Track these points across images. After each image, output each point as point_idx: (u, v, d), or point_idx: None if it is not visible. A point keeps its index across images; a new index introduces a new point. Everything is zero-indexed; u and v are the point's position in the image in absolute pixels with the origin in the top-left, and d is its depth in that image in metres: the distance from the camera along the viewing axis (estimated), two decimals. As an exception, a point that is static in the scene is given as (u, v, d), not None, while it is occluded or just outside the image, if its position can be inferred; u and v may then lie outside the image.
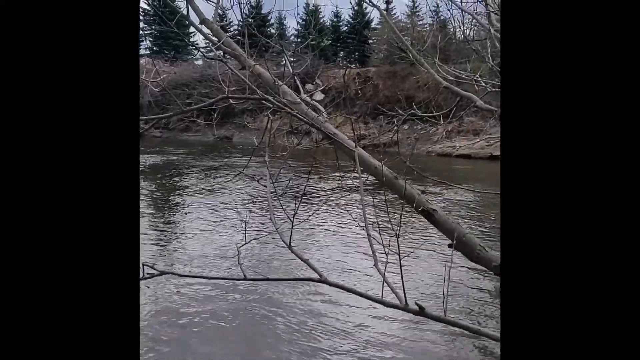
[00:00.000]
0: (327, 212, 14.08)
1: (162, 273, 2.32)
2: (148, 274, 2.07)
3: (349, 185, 16.05)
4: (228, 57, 3.10)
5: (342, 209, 14.21)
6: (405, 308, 1.97)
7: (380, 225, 2.43)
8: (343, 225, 12.44)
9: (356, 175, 2.38)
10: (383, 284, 2.01)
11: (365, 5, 43.52)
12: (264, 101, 2.52)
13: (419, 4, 42.95)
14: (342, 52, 48.63)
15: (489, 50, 4.91)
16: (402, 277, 2.01)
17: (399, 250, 2.02)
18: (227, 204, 15.34)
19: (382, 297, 2.00)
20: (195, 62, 44.11)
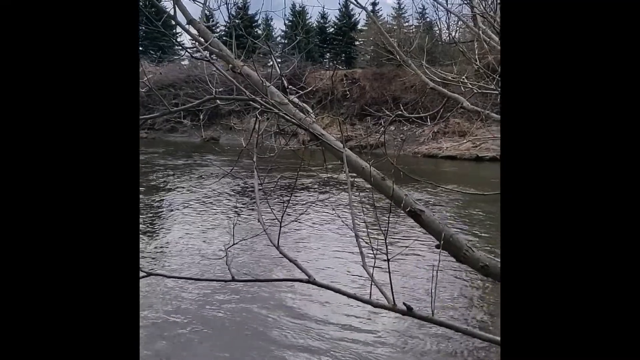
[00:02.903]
0: (315, 213, 14.08)
1: (149, 274, 2.30)
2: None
3: (335, 186, 16.09)
4: (215, 57, 3.08)
5: (330, 209, 14.22)
6: (394, 308, 1.98)
7: (369, 227, 2.44)
8: (331, 226, 12.46)
9: (344, 176, 2.39)
10: (371, 284, 2.02)
11: (351, 7, 43.70)
12: (251, 102, 2.52)
13: (404, 5, 43.22)
14: (328, 54, 48.72)
15: (476, 52, 4.95)
16: (390, 277, 2.01)
17: (387, 251, 2.02)
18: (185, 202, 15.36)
19: (370, 297, 2.01)
20: (182, 63, 43.92)
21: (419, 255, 9.97)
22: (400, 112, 5.31)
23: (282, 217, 2.38)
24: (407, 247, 9.91)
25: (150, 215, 14.45)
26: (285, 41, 44.70)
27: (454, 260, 2.45)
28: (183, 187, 18.49)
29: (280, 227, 2.33)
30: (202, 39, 3.12)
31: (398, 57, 4.97)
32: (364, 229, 2.45)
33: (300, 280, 2.13)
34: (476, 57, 4.96)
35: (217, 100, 2.68)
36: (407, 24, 39.89)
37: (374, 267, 2.07)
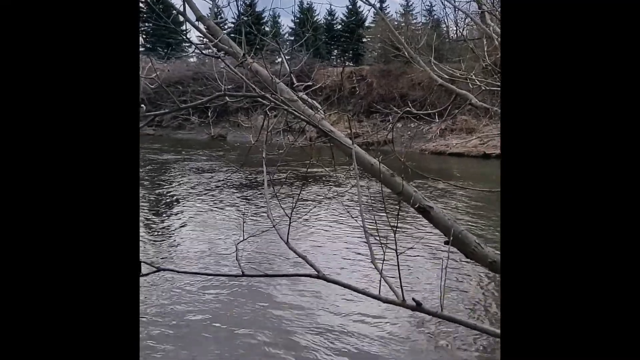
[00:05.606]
0: (323, 209, 14.08)
1: (159, 269, 2.32)
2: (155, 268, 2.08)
3: (344, 183, 16.09)
4: (224, 54, 3.09)
5: (338, 205, 14.23)
6: (403, 304, 1.99)
7: (377, 223, 2.45)
8: (340, 222, 12.47)
9: (353, 172, 2.40)
10: (380, 280, 2.03)
11: (359, 4, 43.65)
12: (261, 99, 2.53)
13: (412, 2, 43.09)
14: (336, 51, 48.68)
15: (485, 49, 4.94)
16: (399, 273, 2.02)
17: (396, 247, 2.03)
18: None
19: (379, 293, 2.02)
20: (189, 60, 43.97)
21: (427, 251, 9.97)
22: (408, 109, 5.30)
23: (291, 213, 2.39)
24: (418, 240, 9.90)
25: (158, 211, 14.52)
26: (293, 38, 44.69)
27: (463, 256, 2.46)
28: (190, 183, 18.56)
29: (290, 223, 2.34)
30: (211, 36, 3.14)
31: (406, 53, 4.96)
32: (373, 225, 2.47)
33: (310, 276, 2.14)
34: (484, 54, 4.94)
35: (227, 97, 2.69)
36: (414, 21, 39.78)
37: (382, 262, 2.08)
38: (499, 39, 4.43)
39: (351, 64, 43.63)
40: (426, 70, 4.73)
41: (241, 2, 3.95)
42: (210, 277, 8.31)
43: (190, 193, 16.90)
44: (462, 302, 7.93)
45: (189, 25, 3.27)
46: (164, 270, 2.46)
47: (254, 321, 7.19)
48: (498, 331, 2.05)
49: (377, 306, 7.12)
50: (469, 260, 2.53)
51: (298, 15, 40.14)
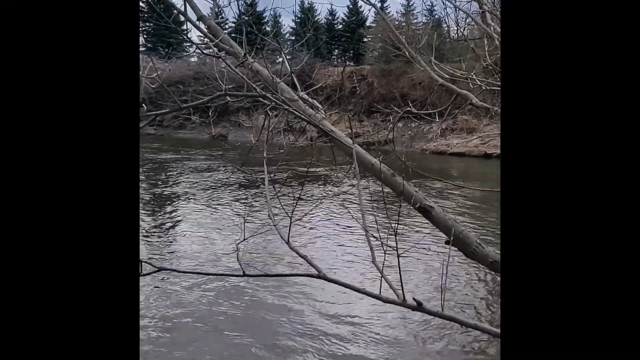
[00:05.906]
0: (324, 209, 14.07)
1: (160, 269, 2.32)
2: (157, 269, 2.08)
3: (344, 183, 16.08)
4: (225, 54, 3.09)
5: (339, 205, 14.22)
6: (403, 304, 1.98)
7: (378, 222, 2.45)
8: (340, 222, 12.46)
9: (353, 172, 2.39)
10: (381, 280, 2.03)
11: (360, 3, 43.62)
12: (262, 98, 2.53)
13: (413, 2, 43.07)
14: (337, 51, 48.65)
15: (486, 49, 4.93)
16: (400, 273, 2.02)
17: (397, 247, 2.03)
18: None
19: (380, 292, 2.02)
20: (190, 60, 43.91)
21: (424, 251, 9.95)
22: (408, 109, 5.29)
23: (292, 212, 2.39)
24: (418, 240, 9.89)
25: (160, 210, 14.51)
26: (294, 38, 44.67)
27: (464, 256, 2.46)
28: (190, 183, 18.56)
29: (291, 222, 2.34)
30: (211, 36, 3.14)
31: (407, 53, 4.95)
32: (373, 225, 2.46)
33: (311, 275, 2.14)
34: (485, 53, 4.93)
35: (227, 97, 2.69)
36: (415, 20, 39.73)
37: (383, 262, 2.08)
38: (500, 39, 4.42)
39: (352, 64, 43.59)
40: (427, 70, 4.72)
41: (242, 2, 3.95)
42: (203, 277, 8.31)
43: (188, 192, 16.89)
44: (461, 302, 7.93)
45: (189, 25, 3.27)
46: (164, 270, 2.46)
47: (245, 323, 7.18)
48: (498, 331, 2.05)
49: (371, 307, 7.13)
50: (467, 260, 2.53)
51: (299, 15, 40.08)
